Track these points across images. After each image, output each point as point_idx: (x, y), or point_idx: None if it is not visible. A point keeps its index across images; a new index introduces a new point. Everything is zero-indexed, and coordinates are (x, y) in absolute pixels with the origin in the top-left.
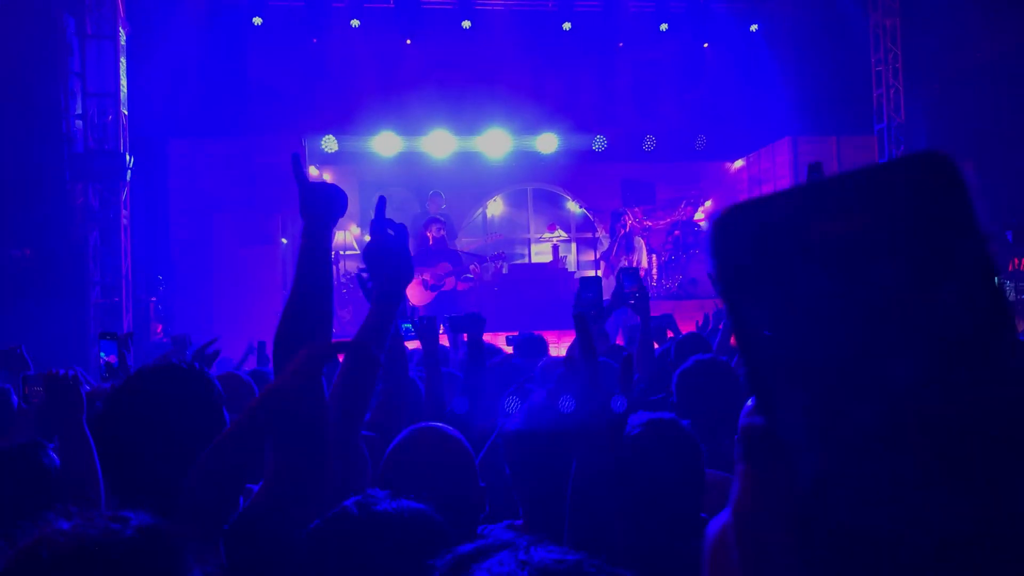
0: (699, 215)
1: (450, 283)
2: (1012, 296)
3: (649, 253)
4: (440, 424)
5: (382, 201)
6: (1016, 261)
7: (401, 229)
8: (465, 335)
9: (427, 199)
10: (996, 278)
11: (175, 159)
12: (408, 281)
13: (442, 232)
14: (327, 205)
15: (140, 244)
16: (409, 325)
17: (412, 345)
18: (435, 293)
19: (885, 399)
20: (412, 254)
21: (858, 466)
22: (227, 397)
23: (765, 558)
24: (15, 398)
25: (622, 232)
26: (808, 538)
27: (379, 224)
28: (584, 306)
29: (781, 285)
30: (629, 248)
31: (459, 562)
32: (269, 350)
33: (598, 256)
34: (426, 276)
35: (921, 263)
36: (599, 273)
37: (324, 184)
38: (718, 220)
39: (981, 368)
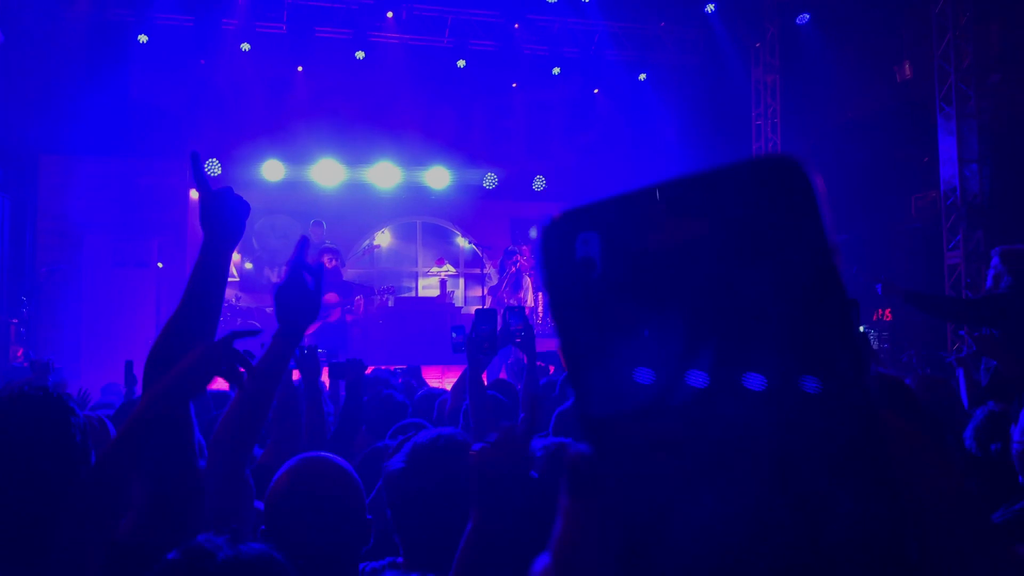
0: None
1: (336, 315)
2: (875, 344)
3: (535, 291)
4: (329, 454)
5: (303, 241)
6: (880, 312)
7: (319, 270)
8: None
9: (309, 227)
10: (841, 286)
11: (46, 176)
12: (312, 322)
13: (334, 262)
14: (231, 217)
15: (3, 263)
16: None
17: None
18: (319, 323)
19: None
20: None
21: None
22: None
23: None
24: None
25: (512, 270)
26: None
27: (297, 264)
28: (480, 339)
29: (614, 297)
30: (517, 286)
31: None
32: (137, 370)
33: (486, 291)
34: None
35: (763, 268)
36: (489, 306)
37: (229, 193)
38: (545, 228)
39: (818, 381)
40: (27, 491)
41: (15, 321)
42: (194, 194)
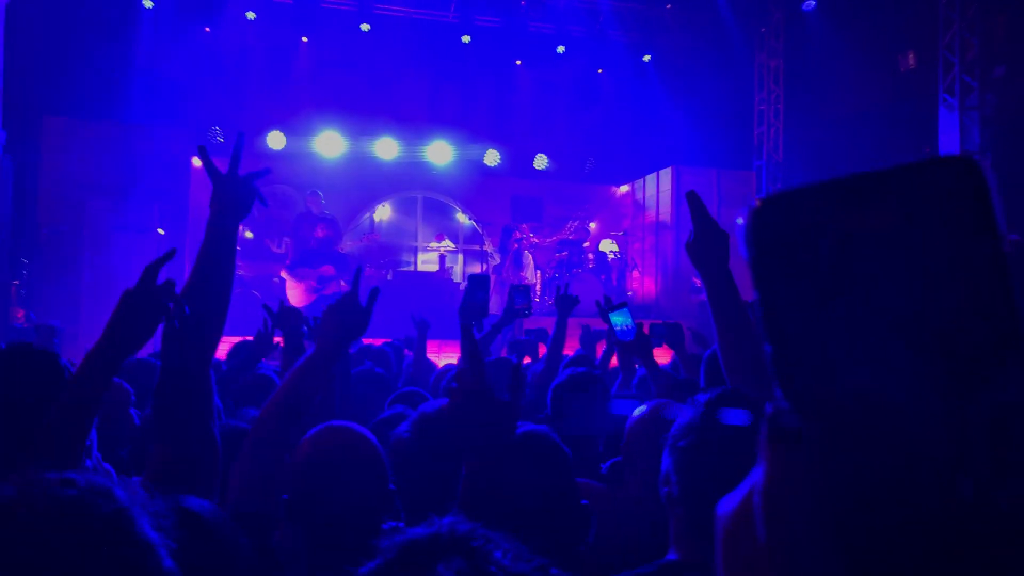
0: (587, 243)
1: (333, 287)
2: None
3: (536, 268)
4: (350, 423)
5: (359, 271)
6: None
7: (375, 293)
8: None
9: (306, 198)
10: (1009, 280)
11: (49, 137)
12: (353, 341)
13: (328, 233)
14: (240, 198)
15: (5, 224)
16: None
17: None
18: (315, 296)
19: (901, 403)
20: (296, 256)
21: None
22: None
23: (794, 536)
24: None
25: (514, 247)
26: (836, 517)
27: (355, 290)
28: (474, 304)
29: (813, 276)
30: (519, 263)
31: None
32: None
33: (490, 270)
34: (311, 281)
35: (940, 261)
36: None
37: (237, 176)
38: (756, 210)
39: (991, 378)
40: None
41: (16, 282)
42: (196, 161)
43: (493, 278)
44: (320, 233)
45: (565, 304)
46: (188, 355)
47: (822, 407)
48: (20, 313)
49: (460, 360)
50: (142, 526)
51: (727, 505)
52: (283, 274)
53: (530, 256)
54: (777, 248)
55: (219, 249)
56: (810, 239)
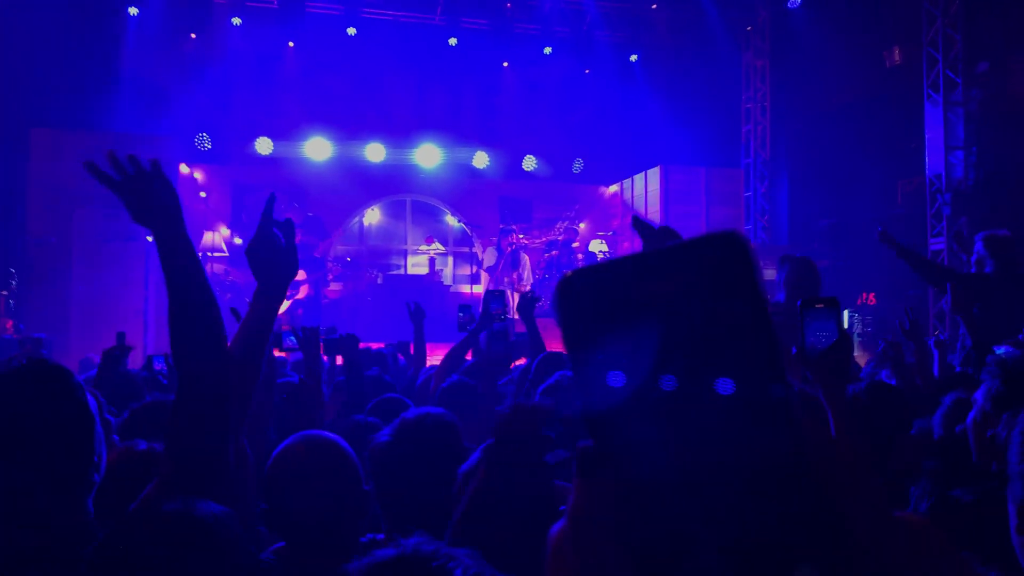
0: (576, 243)
1: (304, 290)
2: (859, 328)
3: (533, 268)
4: (322, 431)
5: (272, 197)
6: (865, 296)
7: (288, 225)
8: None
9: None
10: (773, 338)
11: (37, 148)
12: (291, 278)
13: (301, 239)
14: (288, 271)
15: None
16: (291, 336)
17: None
18: (289, 301)
19: (689, 446)
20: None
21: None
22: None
23: (597, 559)
24: None
25: (509, 249)
26: (631, 540)
27: (266, 220)
28: (492, 316)
29: (613, 337)
30: (515, 264)
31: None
32: (128, 340)
33: (482, 270)
34: None
35: (714, 321)
36: (485, 287)
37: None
38: (562, 281)
39: (759, 425)
40: (39, 453)
41: (4, 293)
42: (184, 168)
43: (486, 277)
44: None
45: (526, 308)
46: (199, 357)
47: (616, 454)
48: (9, 324)
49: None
50: None
51: (555, 527)
52: None
53: (526, 257)
54: (581, 312)
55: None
56: (609, 306)
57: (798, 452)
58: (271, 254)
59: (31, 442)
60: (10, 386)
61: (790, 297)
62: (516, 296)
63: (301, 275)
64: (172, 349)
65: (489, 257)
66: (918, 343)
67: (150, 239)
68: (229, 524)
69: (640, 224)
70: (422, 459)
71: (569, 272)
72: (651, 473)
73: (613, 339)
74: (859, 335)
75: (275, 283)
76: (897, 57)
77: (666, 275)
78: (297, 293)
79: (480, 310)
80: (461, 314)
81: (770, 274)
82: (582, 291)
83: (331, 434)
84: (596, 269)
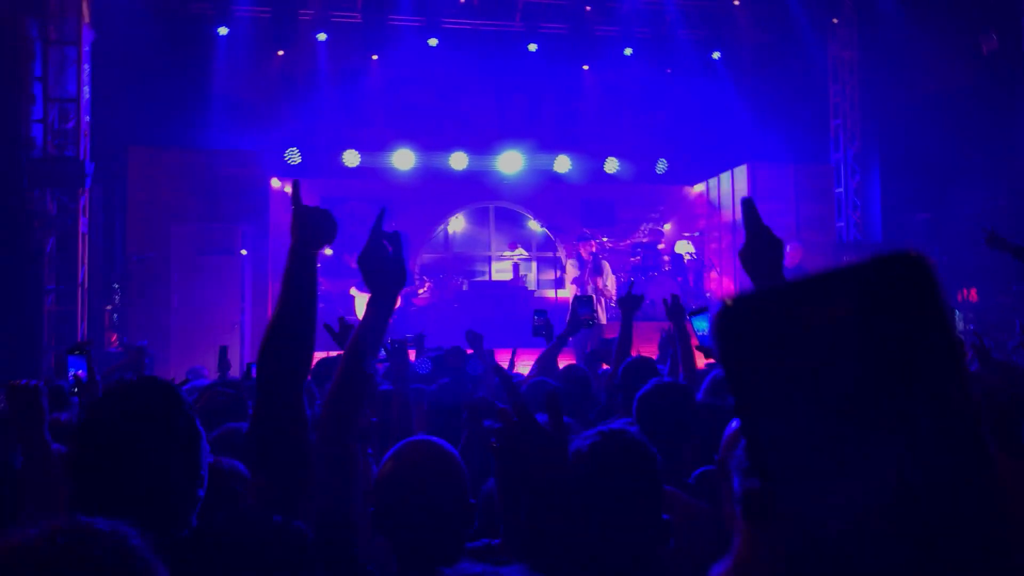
0: (661, 244)
1: (396, 302)
2: (961, 325)
3: (615, 274)
4: (435, 438)
5: (384, 211)
6: (965, 292)
7: (396, 237)
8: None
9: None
10: (964, 369)
11: (135, 167)
12: (401, 287)
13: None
14: (317, 229)
15: (96, 252)
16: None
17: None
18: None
19: (865, 486)
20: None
21: (839, 538)
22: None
23: None
24: None
25: (589, 256)
26: None
27: (376, 231)
28: (580, 321)
29: (778, 371)
30: (598, 270)
31: None
32: (230, 355)
33: (569, 281)
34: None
35: (895, 358)
36: (572, 295)
37: (316, 209)
38: (724, 312)
39: (952, 469)
40: (150, 464)
41: (108, 308)
42: (275, 183)
43: (574, 289)
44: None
45: (629, 304)
46: (280, 381)
47: (789, 497)
48: (114, 338)
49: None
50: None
51: (718, 569)
52: (352, 291)
53: (606, 263)
54: (745, 345)
55: (301, 277)
56: (775, 337)
57: (995, 494)
58: (381, 264)
59: (144, 456)
60: (123, 401)
61: None
62: (603, 302)
63: None
64: (260, 362)
65: (571, 269)
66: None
67: (244, 252)
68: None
69: (749, 207)
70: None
71: (729, 301)
72: (831, 520)
73: (785, 372)
74: (961, 333)
75: (386, 292)
76: (994, 42)
77: (841, 301)
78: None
79: (567, 316)
80: (536, 318)
81: None
82: (746, 321)
83: (442, 440)
84: (760, 296)
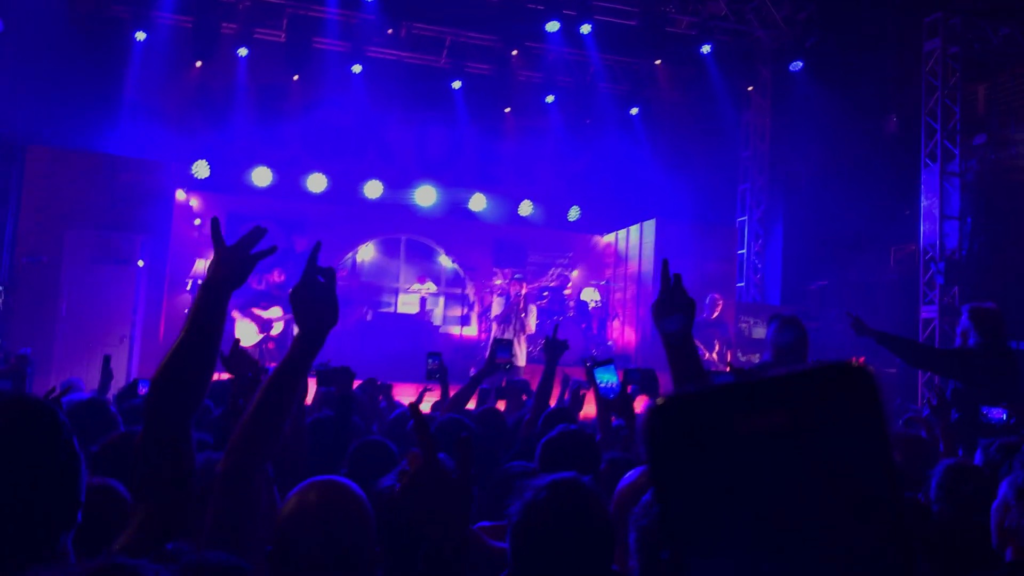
0: (568, 289)
1: (279, 327)
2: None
3: (538, 318)
4: (341, 478)
5: (318, 245)
6: (855, 359)
7: (331, 273)
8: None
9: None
10: (899, 484)
11: (32, 166)
12: (333, 325)
13: (282, 277)
14: (236, 270)
15: None
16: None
17: None
18: (263, 335)
19: None
20: (251, 295)
21: None
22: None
23: None
24: None
25: (517, 299)
26: None
27: (312, 266)
28: (497, 364)
29: (705, 474)
30: (525, 312)
31: None
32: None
33: (492, 318)
34: (255, 320)
35: (831, 474)
36: (494, 334)
37: (235, 248)
38: (655, 410)
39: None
40: (22, 487)
41: None
42: (180, 195)
43: (494, 326)
44: (277, 278)
45: (554, 350)
46: (171, 413)
47: None
48: None
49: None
50: None
51: None
52: (233, 313)
53: (533, 307)
54: (674, 448)
55: (210, 314)
56: (706, 441)
57: None
58: (314, 300)
59: (16, 481)
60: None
61: (776, 355)
62: (523, 342)
63: (278, 311)
64: (153, 389)
65: (496, 306)
66: (943, 421)
67: (141, 264)
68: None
69: (666, 266)
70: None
71: (661, 400)
72: None
73: (712, 475)
74: None
75: (318, 328)
76: (895, 124)
77: (779, 409)
78: (271, 329)
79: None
80: (430, 361)
81: (759, 332)
82: (677, 422)
83: (350, 482)
84: (694, 398)
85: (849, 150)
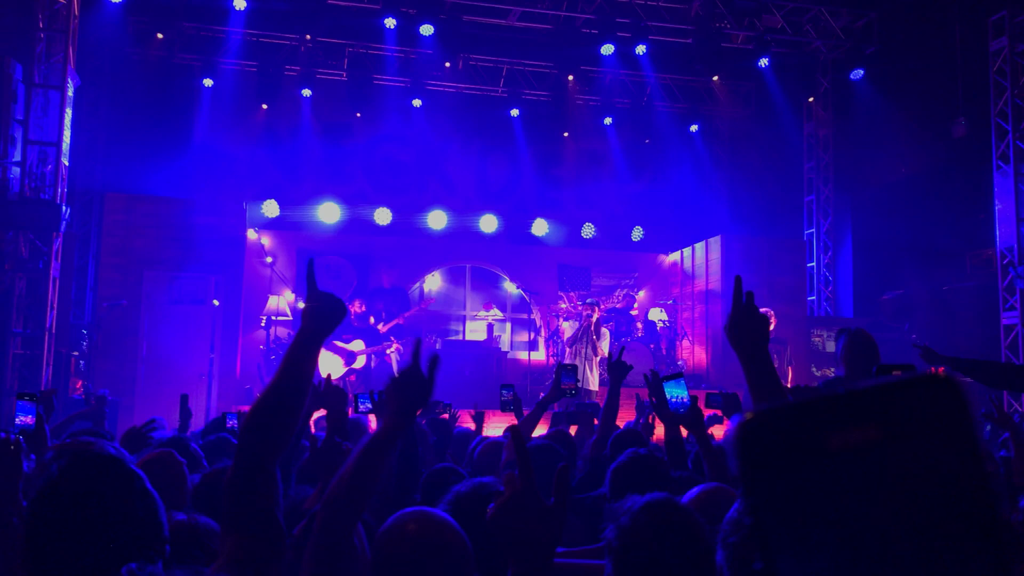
0: (635, 310)
1: (361, 360)
2: None
3: (612, 340)
4: (433, 509)
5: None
6: (933, 369)
7: (435, 361)
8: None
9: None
10: (997, 498)
11: (111, 213)
12: (420, 408)
13: (363, 308)
14: (328, 317)
15: (66, 297)
16: (367, 399)
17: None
18: (347, 368)
19: None
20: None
21: None
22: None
23: None
24: None
25: (588, 323)
26: None
27: (416, 355)
28: (562, 390)
29: (796, 486)
30: (598, 335)
31: None
32: (191, 403)
33: (564, 341)
34: (340, 353)
35: (924, 487)
36: (567, 359)
37: (330, 296)
38: (744, 424)
39: None
40: (105, 549)
41: (75, 354)
42: (252, 234)
43: (568, 350)
44: (356, 308)
45: (618, 371)
46: (261, 452)
47: None
48: (79, 384)
49: (508, 462)
50: None
51: None
52: None
53: (606, 329)
54: (765, 461)
55: (304, 358)
56: (796, 454)
57: None
58: (414, 388)
59: (103, 539)
60: (70, 486)
61: (849, 370)
62: (596, 366)
63: (360, 344)
64: (244, 431)
65: (568, 330)
66: (1013, 430)
67: (216, 303)
68: None
69: (738, 283)
70: (478, 531)
71: (751, 415)
72: None
73: (805, 491)
74: None
75: (405, 417)
76: (963, 128)
77: (868, 423)
78: (354, 362)
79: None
80: (504, 393)
81: (833, 346)
82: (767, 436)
83: (443, 513)
84: (783, 412)
85: (917, 156)
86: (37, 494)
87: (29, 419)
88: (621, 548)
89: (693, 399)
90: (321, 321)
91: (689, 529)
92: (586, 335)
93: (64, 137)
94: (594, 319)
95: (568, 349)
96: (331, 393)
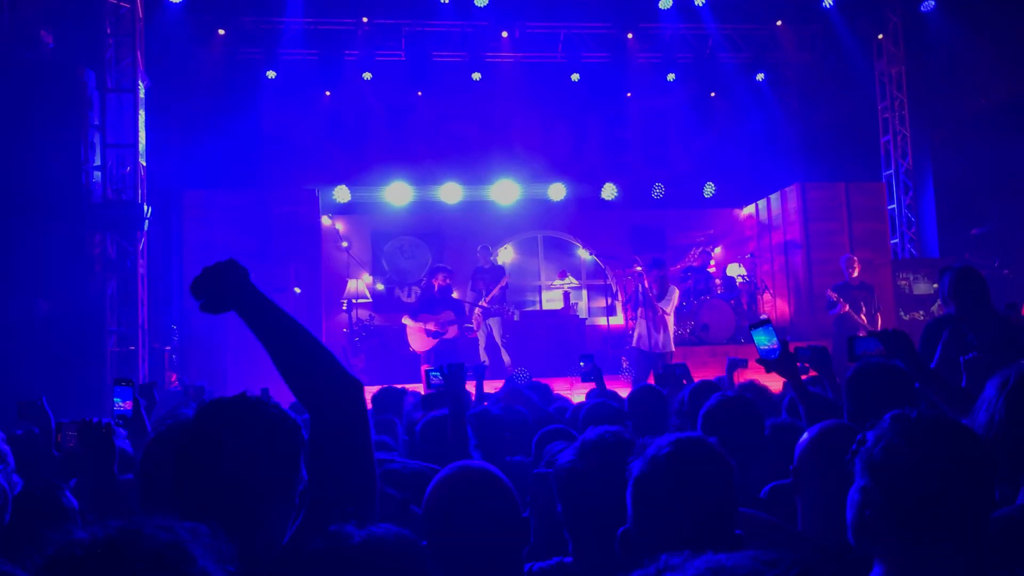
0: (712, 267)
1: (452, 331)
2: None
3: (682, 298)
4: (478, 462)
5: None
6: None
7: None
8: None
9: (477, 252)
10: None
11: (190, 210)
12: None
13: (447, 281)
14: (224, 276)
15: (154, 293)
16: (438, 372)
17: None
18: (436, 340)
19: None
20: (418, 303)
21: None
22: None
23: None
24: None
25: (640, 287)
26: None
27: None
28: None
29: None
30: (663, 296)
31: None
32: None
33: (617, 303)
34: (429, 325)
35: None
36: (639, 321)
37: (214, 265)
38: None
39: None
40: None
41: (168, 348)
42: (326, 220)
43: (639, 312)
44: (439, 281)
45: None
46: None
47: None
48: (173, 377)
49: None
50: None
51: None
52: (405, 320)
53: (675, 289)
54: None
55: (269, 319)
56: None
57: None
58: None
59: (251, 463)
60: (227, 410)
61: (959, 306)
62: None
63: (449, 315)
64: (296, 394)
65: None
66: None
67: (298, 291)
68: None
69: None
70: (605, 476)
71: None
72: None
73: None
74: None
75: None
76: None
77: None
78: (446, 333)
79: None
80: (583, 363)
81: (921, 288)
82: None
83: (484, 463)
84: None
85: (997, 87)
86: (197, 416)
87: (127, 404)
88: (642, 478)
89: (783, 343)
90: (223, 286)
91: (714, 466)
92: (645, 299)
93: (140, 138)
94: (645, 284)
95: (636, 311)
96: (455, 371)
